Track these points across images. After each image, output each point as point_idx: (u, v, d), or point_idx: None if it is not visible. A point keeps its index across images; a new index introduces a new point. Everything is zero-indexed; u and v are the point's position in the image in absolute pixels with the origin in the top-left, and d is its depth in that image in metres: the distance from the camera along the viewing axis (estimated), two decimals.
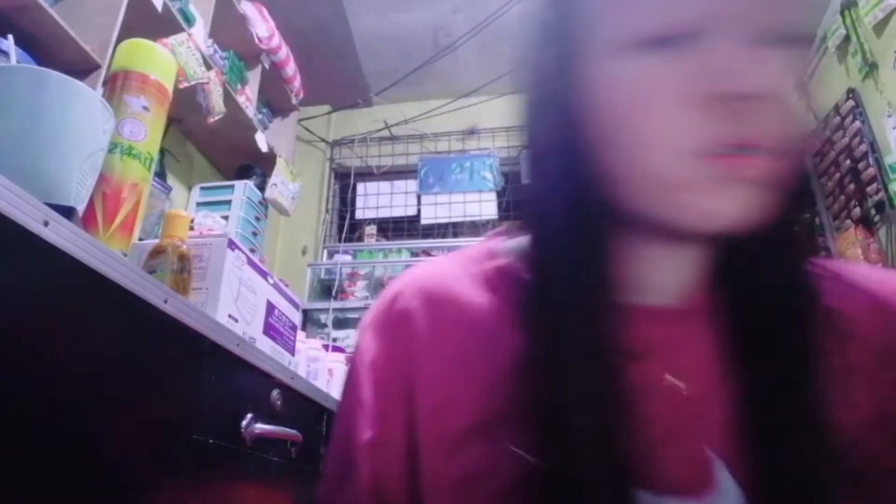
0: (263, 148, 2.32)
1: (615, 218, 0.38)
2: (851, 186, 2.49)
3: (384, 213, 3.17)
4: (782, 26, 0.32)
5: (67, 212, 0.65)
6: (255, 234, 2.23)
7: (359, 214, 3.17)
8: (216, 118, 1.94)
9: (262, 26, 2.34)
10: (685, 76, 0.33)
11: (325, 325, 2.57)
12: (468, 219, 3.02)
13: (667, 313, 0.40)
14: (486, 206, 3.02)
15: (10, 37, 0.98)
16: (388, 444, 0.41)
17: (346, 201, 3.23)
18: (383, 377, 0.42)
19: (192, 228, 1.37)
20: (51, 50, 1.34)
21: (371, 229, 3.11)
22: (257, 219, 2.27)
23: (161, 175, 1.91)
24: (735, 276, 0.39)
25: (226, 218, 2.05)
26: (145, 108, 1.09)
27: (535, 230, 0.40)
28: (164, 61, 1.18)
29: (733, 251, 0.39)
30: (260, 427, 0.94)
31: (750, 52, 0.32)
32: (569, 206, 0.37)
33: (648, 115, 0.33)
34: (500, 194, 3.02)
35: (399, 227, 3.14)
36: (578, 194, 0.37)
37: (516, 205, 2.89)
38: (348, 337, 2.51)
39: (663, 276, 0.40)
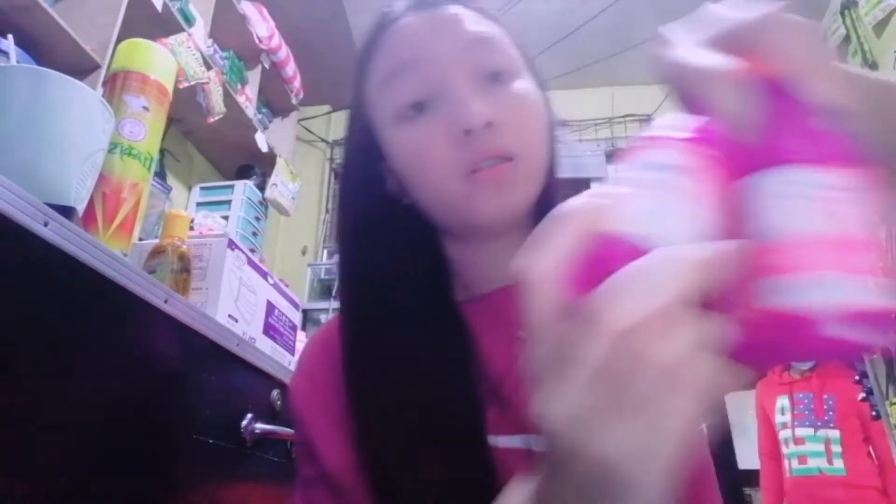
0: (263, 148, 2.32)
1: (442, 232, 0.53)
2: None
3: None
4: (486, 71, 0.48)
5: (67, 212, 0.65)
6: (255, 234, 2.23)
7: None
8: (216, 118, 1.94)
9: (262, 26, 2.34)
10: (433, 128, 0.47)
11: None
12: None
13: (498, 294, 0.52)
14: None
15: (10, 37, 0.98)
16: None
17: None
18: (302, 415, 0.54)
19: (192, 228, 1.37)
20: (51, 50, 1.34)
21: None
22: (257, 219, 2.27)
23: (161, 175, 1.91)
24: None
25: (226, 218, 2.05)
26: (145, 108, 1.09)
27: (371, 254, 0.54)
28: (164, 61, 1.18)
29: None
30: (260, 427, 0.94)
31: (473, 96, 0.46)
32: (394, 228, 0.52)
33: (424, 155, 0.48)
34: None
35: None
36: (400, 220, 0.52)
37: None
38: None
39: (501, 265, 0.51)
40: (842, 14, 2.45)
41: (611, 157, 2.95)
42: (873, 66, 2.33)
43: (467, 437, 0.45)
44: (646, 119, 2.98)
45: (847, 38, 2.46)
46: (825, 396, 2.54)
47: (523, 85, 0.50)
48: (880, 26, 2.28)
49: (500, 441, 0.45)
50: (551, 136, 0.52)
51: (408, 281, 0.51)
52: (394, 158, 0.50)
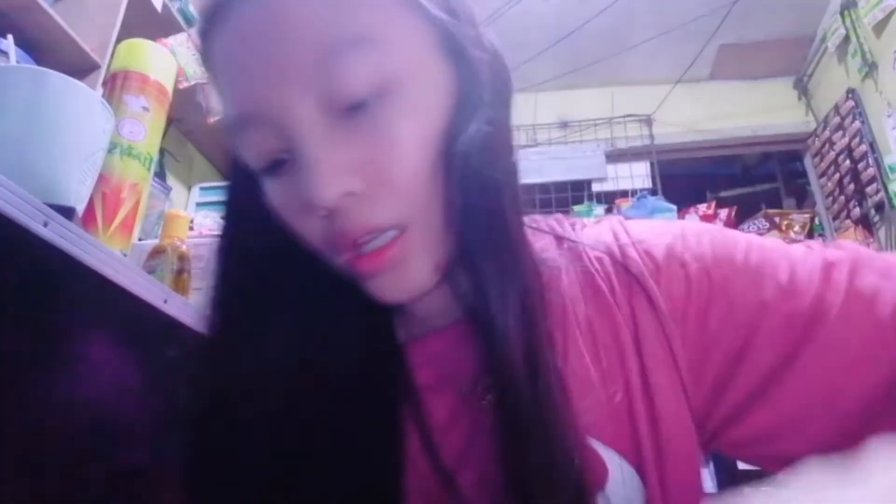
0: None
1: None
2: (851, 186, 2.49)
3: None
4: (343, 104, 0.34)
5: (67, 212, 0.65)
6: None
7: None
8: (216, 118, 1.93)
9: None
10: (292, 194, 0.36)
11: None
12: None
13: (441, 337, 0.43)
14: None
15: (10, 37, 0.98)
16: None
17: None
18: None
19: (191, 228, 1.37)
20: (50, 50, 1.34)
21: None
22: None
23: (161, 175, 1.90)
24: (476, 298, 0.38)
25: None
26: (145, 108, 1.09)
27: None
28: (164, 61, 1.18)
29: (463, 277, 0.39)
30: None
31: (326, 155, 0.34)
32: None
33: (291, 227, 0.38)
34: None
35: None
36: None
37: None
38: None
39: (426, 309, 0.43)
40: (842, 14, 2.45)
41: (611, 157, 2.95)
42: (873, 66, 2.34)
43: None
44: (645, 119, 2.98)
45: (847, 39, 2.46)
46: None
47: (406, 104, 0.35)
48: (880, 26, 2.28)
49: None
50: (473, 161, 0.36)
51: (336, 317, 0.41)
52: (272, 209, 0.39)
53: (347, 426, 0.39)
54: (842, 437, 0.35)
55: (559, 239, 0.45)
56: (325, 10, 0.34)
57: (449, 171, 0.36)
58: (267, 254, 0.41)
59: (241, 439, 0.39)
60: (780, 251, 0.41)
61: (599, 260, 0.43)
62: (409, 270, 0.37)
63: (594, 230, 0.46)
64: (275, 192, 0.38)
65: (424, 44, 0.37)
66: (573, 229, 0.47)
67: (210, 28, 0.37)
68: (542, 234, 0.46)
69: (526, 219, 0.44)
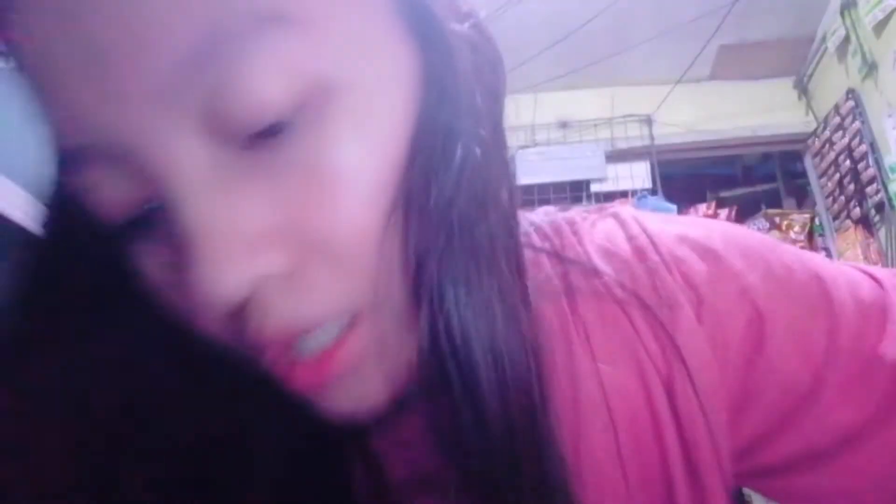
0: None
1: None
2: (851, 187, 2.49)
3: None
4: (246, 120, 0.20)
5: None
6: None
7: None
8: None
9: None
10: (171, 272, 0.23)
11: None
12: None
13: (408, 424, 0.29)
14: None
15: None
16: None
17: None
18: None
19: None
20: None
21: None
22: None
23: None
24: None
25: None
26: None
27: None
28: None
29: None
30: None
31: (226, 201, 0.21)
32: None
33: (191, 320, 0.24)
34: None
35: None
36: None
37: None
38: None
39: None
40: (842, 14, 2.45)
41: (611, 157, 2.95)
42: (873, 66, 2.34)
43: None
44: (645, 119, 2.98)
45: (847, 38, 2.46)
46: None
47: (349, 126, 0.22)
48: (880, 26, 2.28)
49: None
50: (456, 200, 0.24)
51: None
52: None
53: None
54: None
55: (559, 259, 0.33)
56: None
57: (418, 220, 0.23)
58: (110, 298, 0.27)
59: None
60: (843, 276, 0.32)
61: (616, 285, 0.31)
62: (369, 375, 0.25)
63: (601, 232, 0.34)
64: (140, 261, 0.24)
65: (374, 20, 0.23)
66: (575, 233, 0.35)
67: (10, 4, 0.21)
68: (540, 258, 0.34)
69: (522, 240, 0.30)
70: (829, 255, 2.66)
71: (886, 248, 2.33)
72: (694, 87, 3.00)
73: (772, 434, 0.31)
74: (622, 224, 0.35)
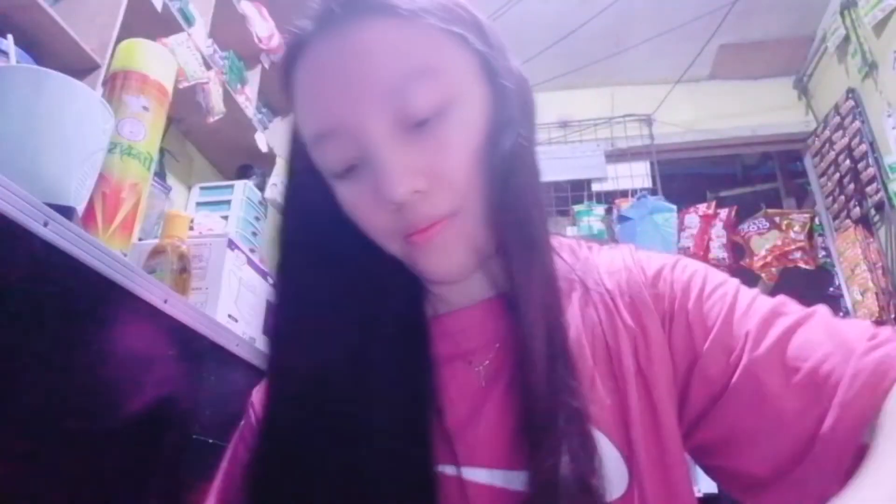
0: (263, 148, 2.32)
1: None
2: (851, 186, 2.49)
3: None
4: (410, 120, 0.43)
5: (67, 212, 0.65)
6: (254, 234, 2.23)
7: None
8: (216, 118, 1.94)
9: (262, 26, 2.34)
10: (365, 192, 0.44)
11: None
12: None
13: (464, 314, 0.51)
14: None
15: (10, 37, 0.98)
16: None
17: None
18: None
19: (191, 228, 1.37)
20: (51, 50, 1.34)
21: None
22: (257, 219, 2.26)
23: (161, 175, 1.90)
24: (505, 280, 0.48)
25: (225, 218, 2.05)
26: (145, 108, 1.09)
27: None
28: (164, 61, 1.18)
29: (500, 264, 0.48)
30: None
31: (397, 161, 0.42)
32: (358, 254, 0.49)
33: (360, 218, 0.46)
34: None
35: None
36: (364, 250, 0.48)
37: None
38: None
39: (466, 290, 0.51)
40: (842, 14, 2.45)
41: (611, 156, 2.95)
42: (873, 66, 2.34)
43: (415, 463, 0.44)
44: (645, 119, 2.99)
45: (847, 38, 2.46)
46: None
47: (458, 120, 0.44)
48: (880, 26, 2.28)
49: (464, 473, 0.45)
50: (500, 162, 0.45)
51: (373, 296, 0.49)
52: (342, 207, 0.47)
53: (382, 382, 0.47)
54: (793, 462, 0.41)
55: (576, 255, 0.54)
56: (398, 46, 0.43)
57: (488, 173, 0.45)
58: (326, 245, 0.49)
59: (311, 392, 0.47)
60: (746, 297, 0.48)
61: (609, 277, 0.51)
62: (453, 251, 0.45)
63: (609, 253, 0.55)
64: (347, 191, 0.46)
65: (469, 72, 0.46)
66: (589, 251, 0.55)
67: (297, 56, 0.46)
68: (564, 248, 0.55)
69: (552, 236, 0.52)
70: (828, 254, 2.66)
71: (886, 248, 2.33)
72: (694, 87, 3.00)
73: (705, 414, 0.46)
74: (622, 256, 0.54)
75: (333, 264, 0.49)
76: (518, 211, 0.46)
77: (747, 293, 0.48)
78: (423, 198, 0.43)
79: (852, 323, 0.44)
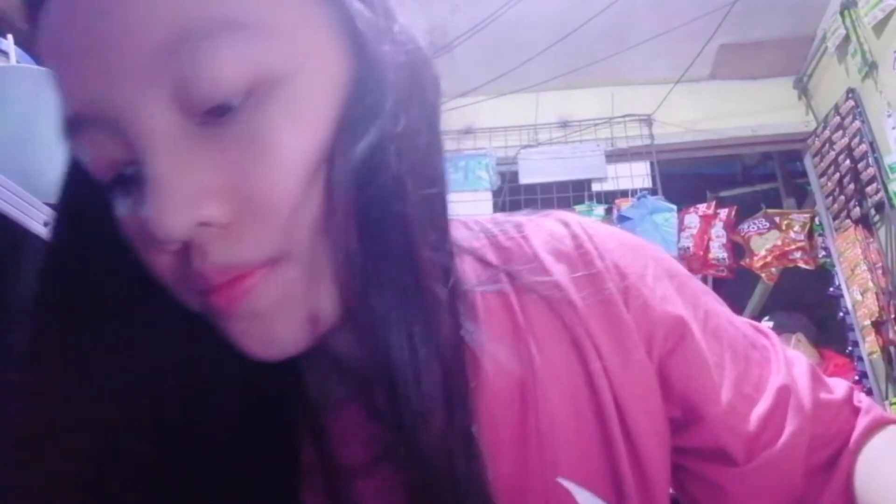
0: None
1: None
2: (851, 186, 2.49)
3: None
4: (201, 106, 0.27)
5: None
6: None
7: None
8: None
9: None
10: (137, 220, 0.28)
11: None
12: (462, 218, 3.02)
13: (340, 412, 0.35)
14: (481, 206, 3.01)
15: (10, 37, 0.98)
16: None
17: None
18: None
19: None
20: None
21: None
22: None
23: None
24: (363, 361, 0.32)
25: None
26: None
27: None
28: None
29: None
30: None
31: (179, 160, 0.27)
32: None
33: (140, 256, 0.30)
34: (495, 194, 3.02)
35: None
36: None
37: (512, 204, 2.90)
38: None
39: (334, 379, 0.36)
40: (842, 14, 2.45)
41: (611, 156, 2.95)
42: (873, 66, 2.34)
43: None
44: (645, 119, 2.99)
45: (847, 38, 2.46)
46: None
47: (284, 111, 0.28)
48: (880, 26, 2.28)
49: None
50: (370, 181, 0.29)
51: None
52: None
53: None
54: None
55: (500, 249, 0.41)
56: None
57: (336, 192, 0.28)
58: (116, 278, 0.32)
59: None
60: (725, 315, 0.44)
61: (553, 261, 0.40)
62: (279, 318, 0.29)
63: (543, 231, 0.42)
64: (121, 213, 0.30)
65: (316, 33, 0.30)
66: (522, 234, 0.42)
67: (36, 3, 0.29)
68: (478, 241, 0.41)
69: (454, 235, 0.35)
70: (828, 254, 2.66)
71: (886, 248, 2.33)
72: (694, 87, 3.00)
73: (684, 423, 0.39)
74: (561, 221, 0.43)
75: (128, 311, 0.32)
76: (390, 253, 0.29)
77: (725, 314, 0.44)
78: (219, 236, 0.27)
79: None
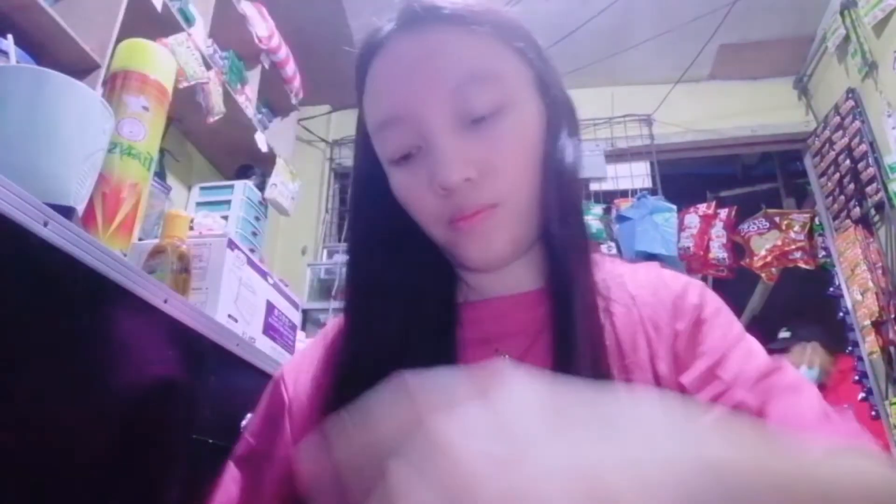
0: (263, 148, 2.32)
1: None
2: (851, 186, 2.49)
3: None
4: (470, 116, 0.47)
5: (67, 212, 0.65)
6: (254, 234, 2.23)
7: None
8: (216, 118, 1.94)
9: (262, 26, 2.34)
10: (420, 178, 0.48)
11: (324, 325, 2.56)
12: None
13: (495, 303, 0.54)
14: None
15: (10, 37, 0.98)
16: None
17: (345, 201, 3.22)
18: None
19: (191, 228, 1.36)
20: (50, 50, 1.34)
21: None
22: (257, 219, 2.26)
23: (161, 175, 1.90)
24: (544, 275, 0.53)
25: (225, 218, 2.05)
26: (145, 108, 1.09)
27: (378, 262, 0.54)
28: (164, 61, 1.18)
29: (539, 260, 0.53)
30: None
31: (453, 150, 0.46)
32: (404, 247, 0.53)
33: (412, 202, 0.50)
34: None
35: None
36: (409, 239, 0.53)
37: None
38: None
39: (501, 280, 0.54)
40: (842, 14, 2.45)
41: (610, 156, 2.95)
42: (873, 66, 2.34)
43: None
44: (645, 119, 2.99)
45: (847, 38, 2.46)
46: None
47: (513, 121, 0.48)
48: (880, 26, 2.28)
49: None
50: (551, 165, 0.50)
51: (414, 279, 0.52)
52: (395, 192, 0.51)
53: (412, 358, 0.46)
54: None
55: (600, 266, 0.57)
56: (467, 50, 0.48)
57: (537, 173, 0.49)
58: (385, 230, 0.54)
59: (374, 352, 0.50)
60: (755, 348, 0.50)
61: (634, 287, 0.54)
62: (494, 240, 0.49)
63: (631, 266, 0.58)
64: (402, 176, 0.50)
65: (525, 83, 0.51)
66: (612, 263, 0.57)
67: (376, 49, 0.50)
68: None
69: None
70: (828, 254, 2.66)
71: (886, 248, 2.33)
72: (694, 87, 3.00)
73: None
74: (645, 267, 0.58)
75: (383, 244, 0.54)
76: (564, 212, 0.50)
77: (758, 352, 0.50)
78: (471, 186, 0.47)
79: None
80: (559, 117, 0.53)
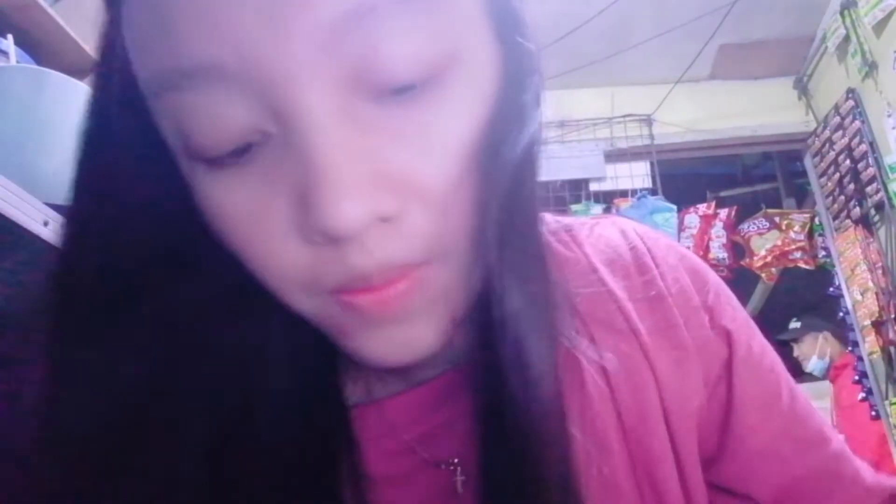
0: None
1: None
2: (851, 186, 2.49)
3: None
4: (387, 86, 0.24)
5: None
6: None
7: None
8: None
9: None
10: (267, 202, 0.25)
11: None
12: None
13: (416, 396, 0.33)
14: None
15: (10, 37, 0.98)
16: None
17: None
18: None
19: None
20: (51, 50, 1.34)
21: None
22: None
23: None
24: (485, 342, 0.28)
25: None
26: None
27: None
28: None
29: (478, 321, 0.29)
30: None
31: (353, 142, 0.23)
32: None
33: (247, 246, 0.26)
34: None
35: None
36: None
37: None
38: None
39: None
40: (842, 14, 2.45)
41: (610, 156, 2.95)
42: (873, 66, 2.34)
43: None
44: (645, 119, 2.98)
45: (847, 38, 2.46)
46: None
47: (458, 98, 0.25)
48: (880, 26, 2.28)
49: None
50: (510, 176, 0.27)
51: (258, 371, 0.29)
52: (201, 210, 0.26)
53: None
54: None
55: (558, 259, 0.36)
56: None
57: (488, 189, 0.26)
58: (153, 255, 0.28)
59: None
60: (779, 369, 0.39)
61: (610, 273, 0.36)
62: (420, 321, 0.27)
63: (599, 240, 0.38)
64: (226, 191, 0.25)
65: (477, 16, 0.27)
66: (574, 239, 0.38)
67: None
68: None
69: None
70: (828, 254, 2.66)
71: (886, 248, 2.33)
72: (694, 87, 3.00)
73: (715, 459, 0.36)
74: (620, 228, 0.39)
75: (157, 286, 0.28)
76: (527, 249, 0.28)
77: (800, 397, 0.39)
78: (388, 231, 0.24)
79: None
80: (522, 83, 0.29)
